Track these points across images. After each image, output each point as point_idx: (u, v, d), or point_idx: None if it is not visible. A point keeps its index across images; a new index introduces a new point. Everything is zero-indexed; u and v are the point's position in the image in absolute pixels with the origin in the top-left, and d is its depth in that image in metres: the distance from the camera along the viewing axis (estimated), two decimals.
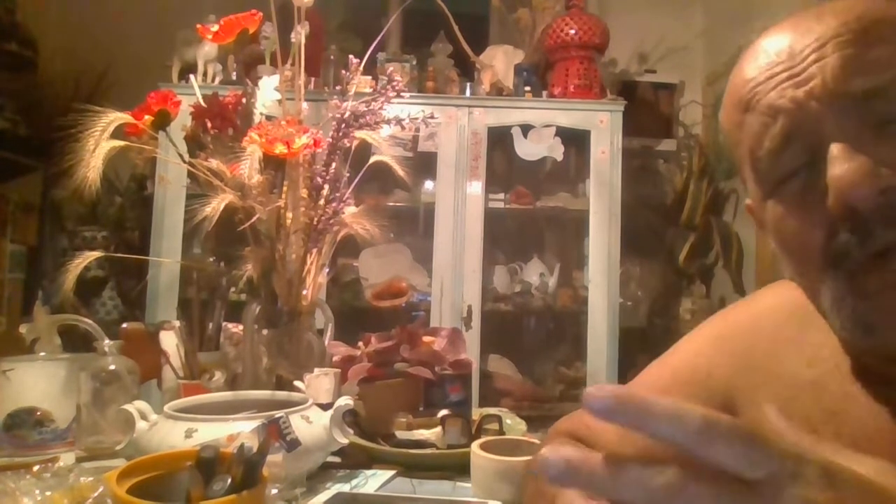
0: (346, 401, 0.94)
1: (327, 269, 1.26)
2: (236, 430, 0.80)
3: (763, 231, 0.56)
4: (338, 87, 1.22)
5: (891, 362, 0.48)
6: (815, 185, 0.47)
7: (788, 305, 0.60)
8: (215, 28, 1.12)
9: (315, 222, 1.15)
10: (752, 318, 0.64)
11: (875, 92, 0.45)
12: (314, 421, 0.90)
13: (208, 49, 2.49)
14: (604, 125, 2.59)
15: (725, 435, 0.30)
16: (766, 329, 0.61)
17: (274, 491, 0.69)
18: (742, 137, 0.52)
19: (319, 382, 1.03)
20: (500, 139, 2.64)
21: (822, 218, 0.47)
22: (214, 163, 1.08)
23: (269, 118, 1.14)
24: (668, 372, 0.70)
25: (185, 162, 1.12)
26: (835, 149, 0.45)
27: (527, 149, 2.62)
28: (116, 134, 1.04)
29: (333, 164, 1.16)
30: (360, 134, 1.17)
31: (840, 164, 0.44)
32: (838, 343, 0.54)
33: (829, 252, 0.47)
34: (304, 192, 1.15)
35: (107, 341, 1.10)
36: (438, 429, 1.04)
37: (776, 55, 0.49)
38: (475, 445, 0.90)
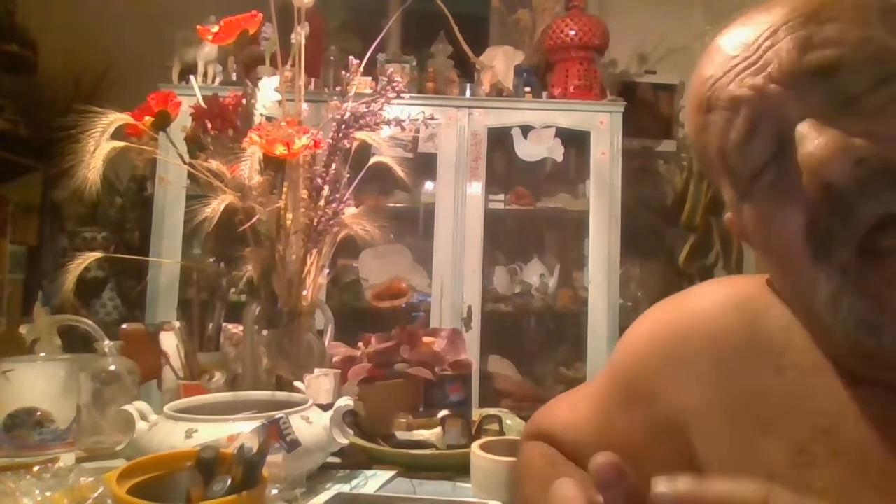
0: (345, 401, 0.94)
1: (327, 270, 1.26)
2: (236, 431, 0.80)
3: (745, 242, 0.53)
4: (338, 88, 1.22)
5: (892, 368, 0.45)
6: (788, 174, 0.45)
7: (728, 305, 0.56)
8: (215, 29, 1.12)
9: (315, 223, 1.15)
10: (685, 321, 0.58)
11: (832, 67, 0.44)
12: (314, 421, 0.90)
13: (208, 50, 2.49)
14: (604, 126, 2.59)
15: None
16: (705, 334, 0.56)
17: (274, 491, 0.69)
18: (708, 138, 0.50)
19: (319, 383, 1.03)
20: (500, 140, 2.64)
21: (801, 204, 0.45)
22: (214, 164, 1.08)
23: (269, 119, 1.14)
24: (606, 381, 0.66)
25: (185, 163, 1.12)
26: (802, 127, 0.44)
27: (527, 150, 2.62)
28: (116, 135, 1.05)
29: (333, 165, 1.16)
30: (360, 135, 1.17)
31: (810, 141, 0.43)
32: (807, 343, 0.50)
33: (813, 239, 0.45)
34: (304, 193, 1.15)
35: (107, 342, 1.10)
36: (438, 429, 1.04)
37: (731, 49, 0.49)
38: (475, 446, 0.90)
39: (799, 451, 0.48)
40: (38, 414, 1.07)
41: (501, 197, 2.67)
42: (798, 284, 0.48)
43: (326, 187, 1.16)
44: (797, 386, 0.49)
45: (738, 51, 0.48)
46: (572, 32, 2.65)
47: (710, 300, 0.58)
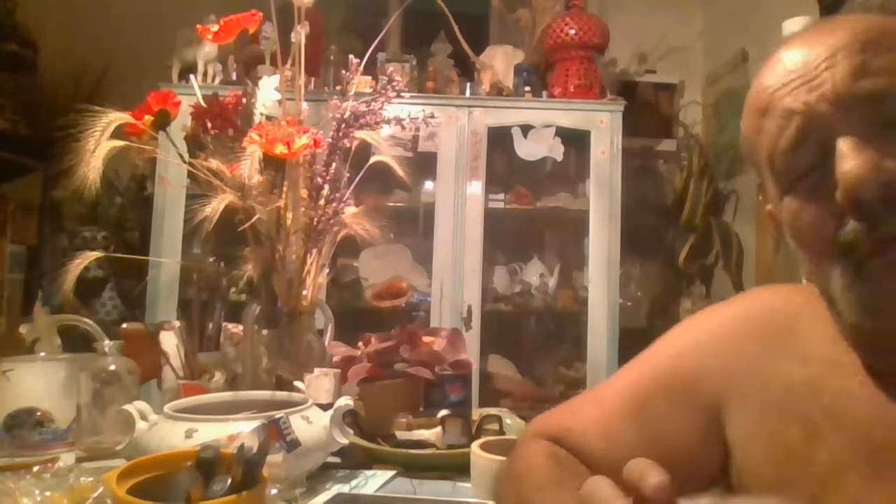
0: (346, 401, 0.94)
1: (327, 270, 1.26)
2: (236, 431, 0.80)
3: (781, 232, 0.59)
4: (338, 88, 1.22)
5: (892, 353, 0.52)
6: (826, 181, 0.51)
7: (771, 308, 0.64)
8: (215, 28, 1.11)
9: (315, 222, 1.15)
10: (738, 320, 0.66)
11: (881, 94, 0.49)
12: (314, 421, 0.90)
13: (208, 49, 2.49)
14: (604, 125, 2.59)
15: None
16: (754, 332, 0.63)
17: (274, 491, 0.69)
18: (761, 140, 0.56)
19: (319, 383, 1.03)
20: (500, 139, 2.64)
21: (833, 210, 0.51)
22: (214, 163, 1.08)
23: (269, 118, 1.14)
24: (648, 374, 0.70)
25: (185, 162, 1.12)
26: (843, 145, 0.49)
27: (527, 149, 2.61)
28: (116, 134, 1.04)
29: (333, 165, 1.16)
30: (360, 134, 1.17)
31: (848, 160, 0.49)
32: (831, 339, 0.57)
33: (839, 241, 0.51)
34: (304, 193, 1.15)
35: (107, 342, 1.10)
36: (438, 429, 1.04)
37: (792, 65, 0.54)
38: (475, 446, 0.90)
39: (809, 427, 0.55)
40: (39, 414, 1.06)
41: (501, 196, 2.67)
42: (820, 273, 0.55)
43: (326, 187, 1.15)
44: (816, 374, 0.57)
45: (798, 66, 0.53)
46: (572, 32, 2.65)
47: (757, 305, 0.66)
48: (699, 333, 0.69)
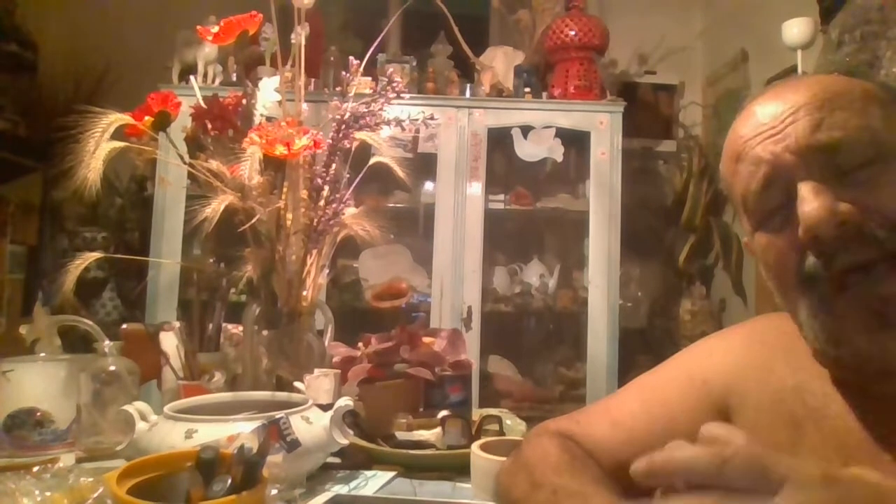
0: (346, 401, 0.94)
1: (327, 270, 1.26)
2: (236, 431, 0.80)
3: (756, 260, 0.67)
4: (338, 89, 1.22)
5: (854, 372, 0.60)
6: (791, 220, 0.59)
7: (776, 327, 0.72)
8: (215, 29, 1.12)
9: (315, 223, 1.15)
10: (746, 334, 0.74)
11: (835, 146, 0.57)
12: (314, 422, 0.90)
13: (208, 50, 2.49)
14: (604, 126, 2.59)
15: (739, 468, 0.41)
16: (760, 343, 0.72)
17: (274, 492, 0.69)
18: (735, 183, 0.64)
19: (319, 383, 1.03)
20: (500, 140, 2.64)
21: (797, 245, 0.58)
22: (214, 164, 1.08)
23: (269, 119, 1.14)
24: (661, 376, 0.78)
25: (185, 163, 1.12)
26: (803, 189, 0.57)
27: (527, 150, 2.62)
28: (116, 135, 1.05)
29: (333, 166, 1.16)
30: (360, 135, 1.17)
31: (808, 203, 0.56)
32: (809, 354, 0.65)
33: (803, 272, 0.59)
34: (304, 194, 1.15)
35: (107, 342, 1.10)
36: (438, 429, 1.04)
37: (762, 118, 0.62)
38: (475, 446, 0.90)
39: (796, 427, 0.63)
40: (39, 414, 1.07)
41: (501, 197, 2.67)
42: (789, 302, 0.63)
43: (326, 187, 1.16)
44: (803, 381, 0.65)
45: (767, 119, 0.61)
46: (572, 32, 2.65)
47: (766, 322, 0.74)
48: (712, 343, 0.77)
